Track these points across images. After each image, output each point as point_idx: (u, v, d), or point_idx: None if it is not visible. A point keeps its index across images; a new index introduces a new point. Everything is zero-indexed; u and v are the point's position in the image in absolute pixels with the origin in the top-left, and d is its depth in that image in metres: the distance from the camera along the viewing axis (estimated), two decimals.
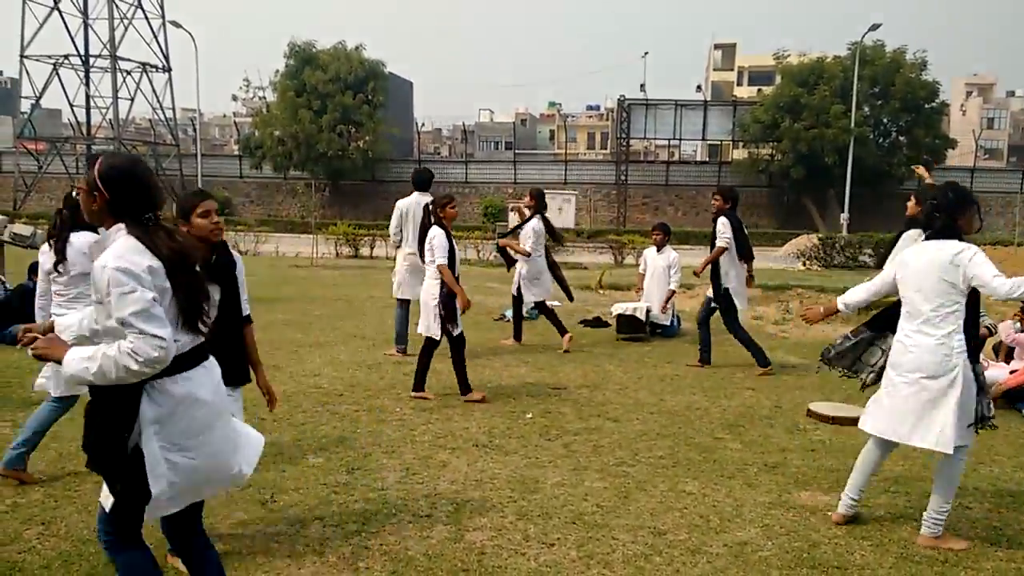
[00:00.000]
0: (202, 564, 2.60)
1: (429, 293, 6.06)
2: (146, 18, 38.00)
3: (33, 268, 7.98)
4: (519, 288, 8.34)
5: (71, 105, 38.42)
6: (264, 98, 43.18)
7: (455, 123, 58.32)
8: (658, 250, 9.14)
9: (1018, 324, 6.82)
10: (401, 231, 7.84)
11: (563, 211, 34.28)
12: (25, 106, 39.62)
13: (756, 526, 3.83)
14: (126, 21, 36.95)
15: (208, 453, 2.40)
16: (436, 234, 6.02)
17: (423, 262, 6.24)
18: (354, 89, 36.30)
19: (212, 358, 2.51)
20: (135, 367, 2.17)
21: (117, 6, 36.46)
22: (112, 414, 2.27)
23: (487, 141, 60.06)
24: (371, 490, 4.15)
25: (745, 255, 7.46)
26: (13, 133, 41.69)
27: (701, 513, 3.97)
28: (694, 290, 13.33)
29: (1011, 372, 6.43)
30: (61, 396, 4.06)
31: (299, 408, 5.75)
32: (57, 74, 37.08)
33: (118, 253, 2.24)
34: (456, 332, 6.04)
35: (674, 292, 9.13)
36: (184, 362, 2.34)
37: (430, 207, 6.29)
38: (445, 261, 5.95)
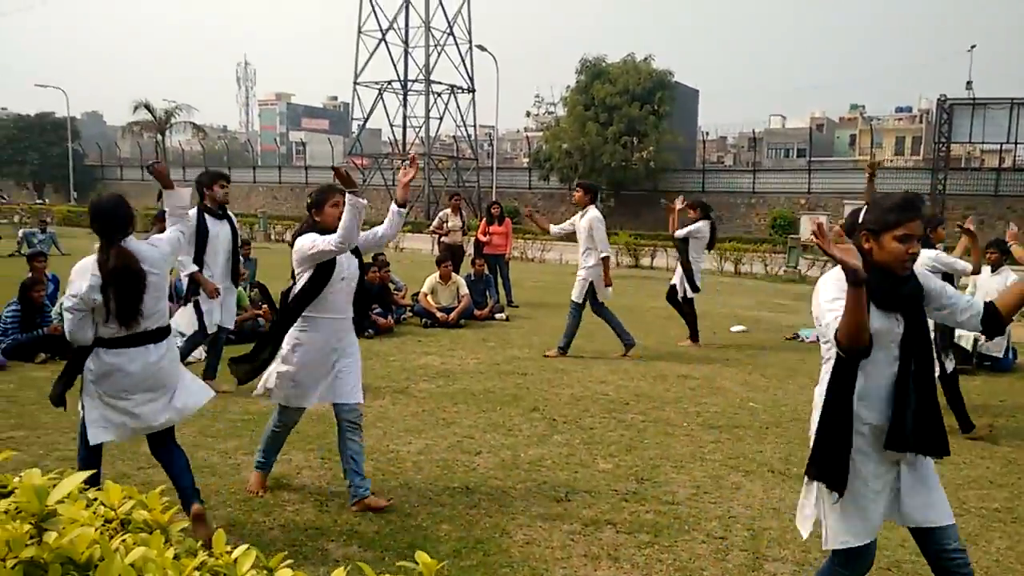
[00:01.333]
0: (170, 462, 3.59)
1: None
2: (456, 44, 41.97)
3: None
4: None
5: (391, 125, 43.72)
6: (553, 113, 45.33)
7: (742, 131, 56.20)
8: (992, 270, 7.93)
9: None
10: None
11: None
12: (354, 127, 45.79)
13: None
14: (439, 47, 41.12)
15: (126, 407, 3.45)
16: None
17: None
18: (641, 100, 36.62)
19: (164, 342, 3.54)
20: (68, 336, 3.40)
21: (433, 35, 40.72)
22: (71, 365, 3.50)
23: (777, 148, 57.04)
24: (661, 503, 4.12)
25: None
26: (344, 150, 48.53)
27: None
28: None
29: None
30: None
31: (587, 412, 5.90)
32: (381, 98, 42.39)
33: (82, 262, 3.41)
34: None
35: (1011, 320, 7.85)
36: (118, 342, 3.40)
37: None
38: None
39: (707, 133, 47.54)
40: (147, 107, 44.13)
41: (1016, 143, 34.34)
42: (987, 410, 6.46)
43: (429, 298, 9.82)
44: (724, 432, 5.51)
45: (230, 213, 6.23)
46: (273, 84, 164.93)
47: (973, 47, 58.84)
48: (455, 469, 4.53)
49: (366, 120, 43.28)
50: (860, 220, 2.51)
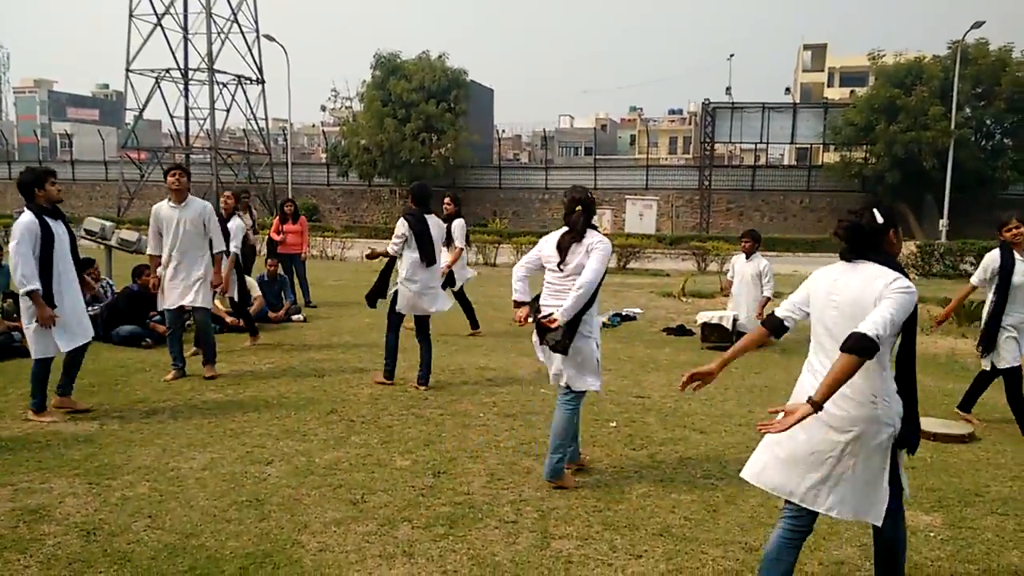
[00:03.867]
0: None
1: None
2: (242, 33, 39.73)
3: (138, 271, 8.44)
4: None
5: (171, 116, 40.48)
6: (351, 108, 44.41)
7: (535, 129, 58.51)
8: (747, 257, 8.91)
9: None
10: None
11: (644, 217, 33.91)
12: (129, 118, 41.94)
13: (853, 545, 3.68)
14: (223, 36, 38.73)
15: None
16: None
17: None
18: (437, 97, 36.92)
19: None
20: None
21: (215, 21, 38.26)
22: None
23: (567, 147, 60.03)
24: (457, 494, 4.20)
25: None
26: (117, 143, 44.31)
27: None
28: (782, 298, 12.95)
29: None
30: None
31: (386, 411, 5.87)
32: (159, 87, 39.13)
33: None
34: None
35: (768, 299, 8.88)
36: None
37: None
38: None
39: (503, 131, 49.00)
40: None
41: (768, 143, 38.80)
42: (744, 380, 7.24)
43: (217, 302, 9.25)
44: (518, 420, 5.72)
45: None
46: (31, 70, 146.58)
47: (732, 56, 65.58)
48: (243, 482, 4.31)
49: (142, 111, 39.79)
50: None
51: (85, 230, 9.64)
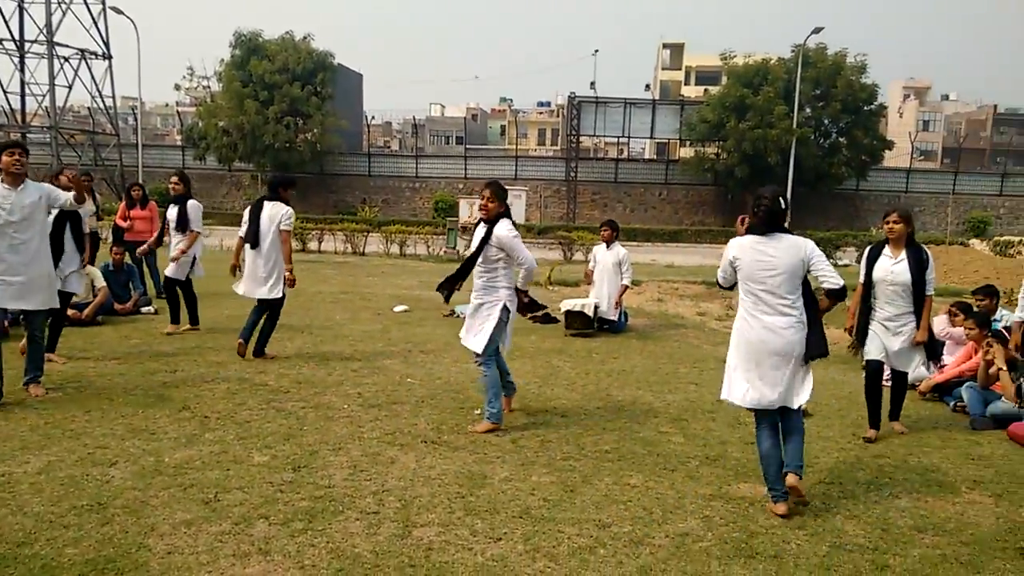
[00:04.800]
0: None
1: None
2: (85, 3, 36.68)
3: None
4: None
5: (4, 92, 36.87)
6: (208, 88, 42.12)
7: (406, 116, 57.86)
8: (607, 246, 9.26)
9: (950, 320, 7.11)
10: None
11: (513, 206, 34.29)
12: None
13: (697, 517, 3.94)
14: (64, 5, 35.62)
15: None
16: None
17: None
18: (302, 80, 35.74)
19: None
20: None
21: None
22: None
23: (438, 136, 59.79)
24: (318, 488, 4.13)
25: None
26: None
27: (644, 505, 4.07)
28: (641, 286, 13.58)
29: (940, 367, 6.71)
30: None
31: (244, 405, 5.66)
32: None
33: None
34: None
35: (627, 288, 9.28)
36: None
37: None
38: None
39: (372, 118, 48.08)
40: None
41: (629, 137, 40.35)
42: (604, 364, 7.54)
43: None
44: (383, 409, 5.68)
45: None
46: None
47: (596, 51, 67.54)
48: (84, 485, 4.04)
49: None
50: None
51: None
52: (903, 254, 5.35)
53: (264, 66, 35.22)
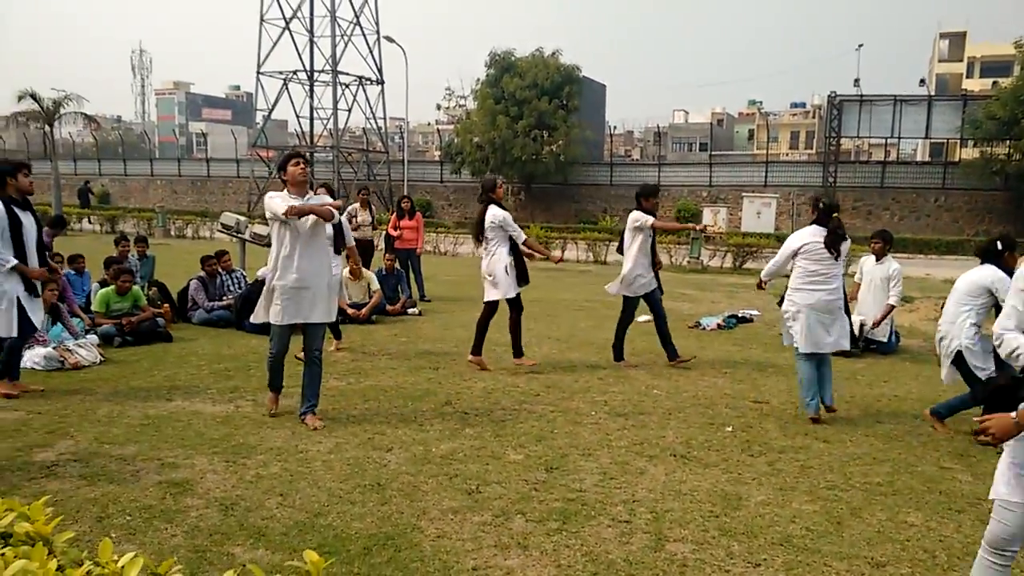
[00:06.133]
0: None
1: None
2: (363, 35, 41.23)
3: (205, 259, 9.06)
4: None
5: (297, 116, 42.56)
6: (465, 106, 45.19)
7: (648, 125, 57.68)
8: (877, 259, 8.44)
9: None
10: None
11: (762, 215, 32.72)
12: (259, 118, 44.37)
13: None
14: (346, 38, 40.32)
15: None
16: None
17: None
18: (550, 94, 37.02)
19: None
20: None
21: (339, 24, 39.87)
22: None
23: (681, 143, 58.78)
24: (570, 491, 4.22)
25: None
26: (248, 142, 46.95)
27: (925, 547, 3.64)
28: (915, 303, 12.22)
29: None
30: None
31: (499, 405, 5.97)
32: (286, 88, 41.23)
33: None
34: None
35: (893, 308, 8.34)
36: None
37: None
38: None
39: (614, 127, 48.49)
40: (33, 97, 41.45)
41: (899, 138, 36.60)
42: (872, 389, 6.90)
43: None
44: (629, 419, 5.68)
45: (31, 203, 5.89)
46: (171, 72, 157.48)
47: (860, 46, 62.29)
48: (366, 466, 4.50)
49: (271, 111, 41.99)
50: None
51: (222, 224, 10.31)
52: None
53: (515, 83, 37.01)
